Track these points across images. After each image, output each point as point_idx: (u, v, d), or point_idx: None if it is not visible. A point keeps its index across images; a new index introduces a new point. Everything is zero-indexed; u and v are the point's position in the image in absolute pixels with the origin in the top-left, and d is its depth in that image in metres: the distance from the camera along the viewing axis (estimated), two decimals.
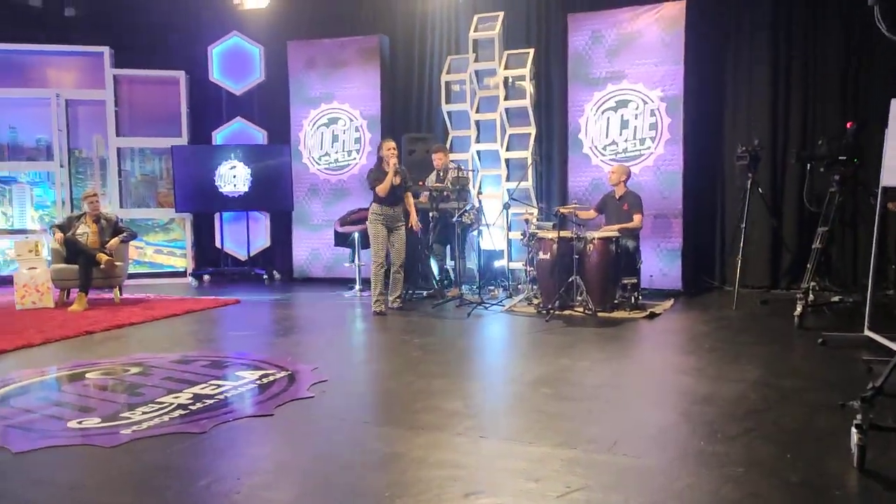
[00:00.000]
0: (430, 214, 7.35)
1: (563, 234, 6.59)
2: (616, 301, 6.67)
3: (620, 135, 7.81)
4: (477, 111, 8.46)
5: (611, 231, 6.77)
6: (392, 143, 6.87)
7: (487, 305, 6.97)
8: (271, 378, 4.49)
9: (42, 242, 7.67)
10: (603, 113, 7.88)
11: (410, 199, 6.97)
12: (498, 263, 8.22)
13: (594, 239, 6.54)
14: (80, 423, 3.66)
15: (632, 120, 7.76)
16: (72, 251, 7.35)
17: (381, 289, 6.77)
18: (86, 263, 7.19)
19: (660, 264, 7.65)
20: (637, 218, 6.98)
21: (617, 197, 7.12)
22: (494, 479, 2.90)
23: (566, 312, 6.47)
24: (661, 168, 7.63)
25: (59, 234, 7.42)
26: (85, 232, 7.47)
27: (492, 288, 7.75)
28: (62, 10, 9.55)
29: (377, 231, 6.76)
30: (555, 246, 6.53)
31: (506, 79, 8.25)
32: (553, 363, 4.81)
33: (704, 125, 7.86)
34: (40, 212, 9.42)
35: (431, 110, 8.98)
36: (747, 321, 6.19)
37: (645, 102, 7.66)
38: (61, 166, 9.26)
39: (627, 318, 6.36)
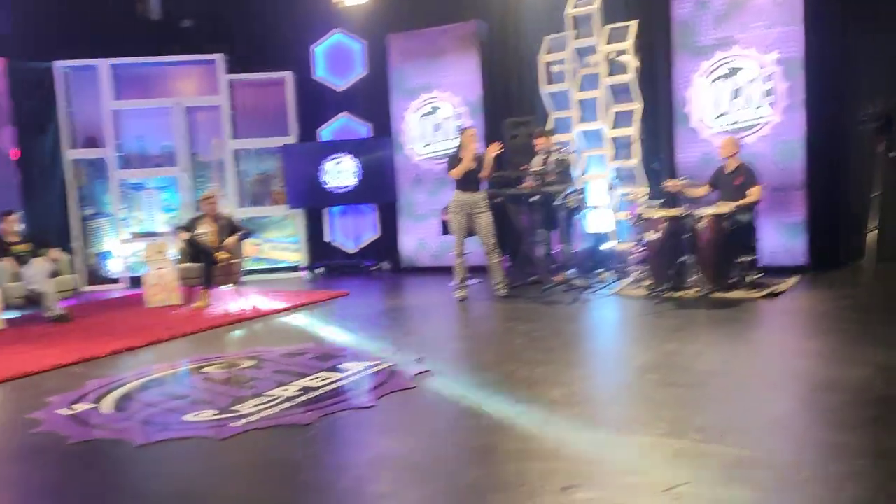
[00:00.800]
0: (534, 199, 7.22)
1: (673, 212, 6.30)
2: (732, 281, 6.31)
3: (732, 105, 7.37)
4: (579, 90, 8.23)
5: (725, 207, 6.41)
6: (472, 130, 6.90)
7: (595, 290, 6.78)
8: (376, 369, 4.55)
9: (168, 244, 8.14)
10: (712, 83, 7.46)
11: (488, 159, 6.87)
12: (605, 246, 7.98)
13: (706, 216, 6.21)
14: (195, 415, 3.84)
15: (744, 88, 7.29)
16: (194, 250, 7.76)
17: (463, 276, 6.90)
18: (207, 262, 7.57)
19: (781, 240, 7.18)
20: (754, 191, 6.57)
21: (729, 171, 6.73)
22: (596, 472, 2.80)
23: (678, 294, 6.20)
24: (778, 137, 7.14)
25: (183, 235, 7.85)
26: (205, 231, 7.86)
27: (599, 272, 7.53)
28: (179, 21, 10.06)
29: (456, 220, 6.80)
30: (664, 225, 6.26)
31: (607, 54, 7.97)
32: (662, 348, 4.61)
33: (828, 88, 7.27)
34: (167, 215, 10.00)
35: (533, 93, 8.80)
36: (879, 299, 5.70)
37: (761, 68, 7.19)
38: (184, 171, 9.79)
39: (745, 298, 6.01)
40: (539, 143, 7.48)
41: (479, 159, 6.76)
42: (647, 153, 8.05)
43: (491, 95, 9.00)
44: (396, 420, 3.67)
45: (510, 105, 8.94)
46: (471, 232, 6.90)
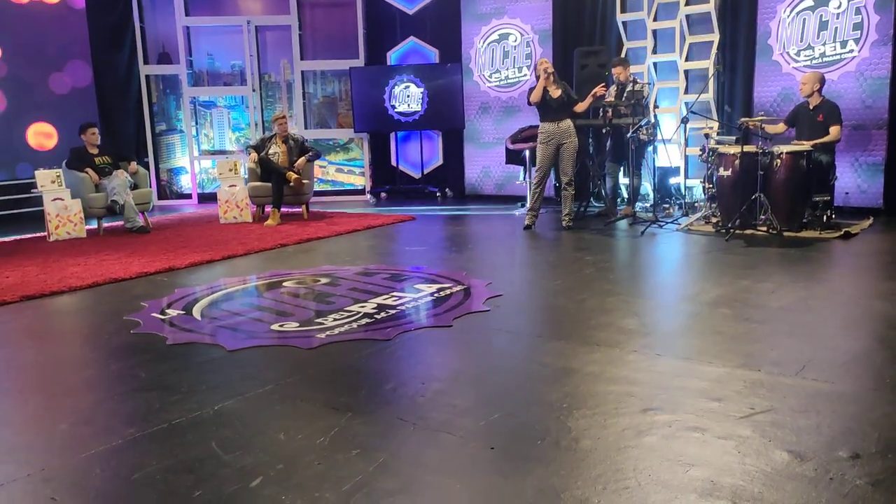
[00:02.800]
0: (604, 131, 7.16)
1: (747, 148, 6.19)
2: (805, 220, 6.23)
3: (818, 38, 7.10)
4: (654, 19, 8.00)
5: (802, 145, 6.27)
6: (547, 61, 6.80)
7: (662, 224, 6.77)
8: (448, 291, 4.68)
9: (239, 162, 8.34)
10: (798, 14, 7.17)
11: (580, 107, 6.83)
12: (674, 181, 7.90)
13: (783, 153, 6.09)
14: (280, 326, 4.05)
15: (832, 20, 7.01)
16: (265, 170, 7.95)
17: (534, 205, 6.91)
18: (277, 181, 7.76)
19: (857, 180, 7.01)
20: (834, 130, 6.39)
21: (811, 108, 6.54)
22: (673, 397, 2.90)
23: (748, 232, 6.15)
24: (864, 73, 6.89)
25: (254, 154, 8.03)
26: (276, 152, 8.03)
27: (667, 206, 7.49)
28: None
29: (545, 151, 6.74)
30: (737, 161, 6.17)
31: None
32: (733, 284, 4.63)
33: None
34: (237, 134, 10.20)
35: (605, 21, 8.59)
36: None
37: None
38: (253, 90, 9.91)
39: (818, 238, 5.94)
40: (616, 73, 7.35)
41: (563, 87, 6.67)
42: (722, 87, 7.85)
43: (562, 23, 8.82)
44: (473, 340, 3.81)
45: (581, 34, 8.77)
46: (555, 162, 6.86)
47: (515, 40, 8.99)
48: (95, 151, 7.69)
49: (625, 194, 7.98)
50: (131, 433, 2.74)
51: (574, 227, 6.90)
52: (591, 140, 7.73)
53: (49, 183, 7.23)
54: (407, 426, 2.73)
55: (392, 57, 9.86)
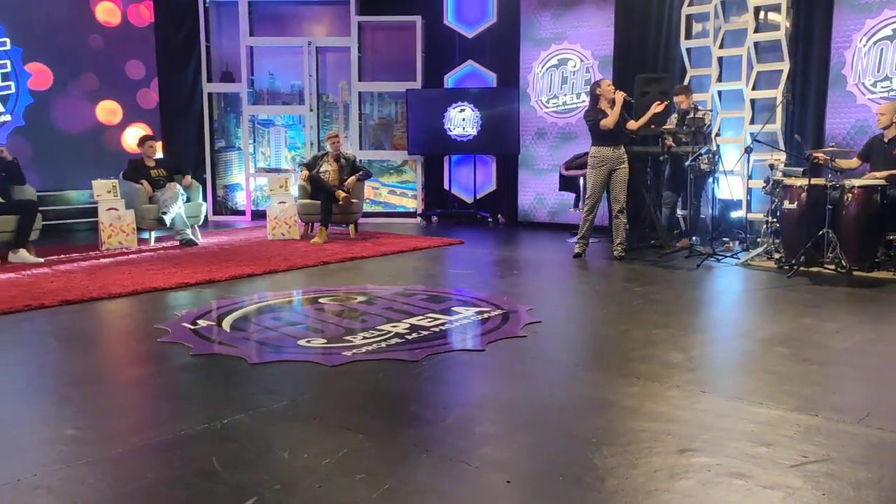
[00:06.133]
0: (661, 158, 6.89)
1: (815, 181, 5.83)
2: (878, 259, 5.81)
3: None
4: (720, 47, 7.72)
5: (877, 179, 5.87)
6: (610, 82, 6.56)
7: (720, 258, 6.42)
8: (486, 315, 4.49)
9: (290, 179, 8.35)
10: (875, 43, 6.79)
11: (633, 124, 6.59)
12: (735, 214, 7.54)
13: (854, 187, 5.71)
14: (308, 342, 3.91)
15: None
16: (315, 188, 7.93)
17: (584, 233, 6.69)
18: (326, 199, 7.72)
19: None
20: None
21: (886, 140, 6.14)
22: (715, 439, 2.62)
23: (813, 269, 5.77)
24: None
25: (305, 172, 8.03)
26: (327, 170, 8.00)
27: (726, 240, 7.12)
28: None
29: (597, 177, 6.50)
30: (804, 195, 5.82)
31: (756, 9, 7.41)
32: (793, 322, 4.29)
33: None
34: (292, 152, 10.27)
35: (669, 48, 8.34)
36: None
37: None
38: (311, 110, 9.98)
39: (891, 279, 5.52)
40: (678, 100, 7.09)
41: (623, 112, 6.46)
42: (791, 118, 7.49)
43: (624, 49, 8.61)
44: (505, 366, 3.59)
45: (644, 60, 8.53)
46: (607, 188, 6.62)
47: (574, 66, 8.82)
48: (152, 164, 7.80)
49: (682, 225, 7.66)
50: (134, 442, 2.62)
51: (626, 257, 6.63)
52: (648, 168, 7.46)
53: (105, 193, 7.35)
54: (421, 452, 2.53)
55: (449, 80, 9.80)
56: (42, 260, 6.41)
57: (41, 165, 8.62)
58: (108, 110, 9.28)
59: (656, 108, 6.47)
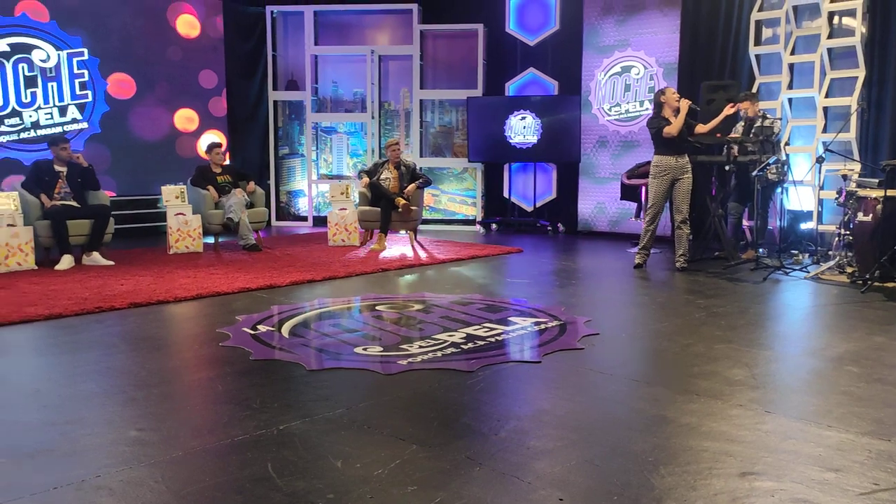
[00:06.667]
0: (727, 168, 6.71)
1: (892, 192, 5.58)
2: None
3: None
4: (792, 53, 7.48)
5: None
6: (675, 90, 6.43)
7: (788, 271, 6.21)
8: (543, 326, 4.44)
9: (351, 186, 8.45)
10: None
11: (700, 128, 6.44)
12: (805, 225, 7.28)
13: None
14: (364, 349, 3.94)
15: None
16: (375, 195, 8.00)
17: (646, 243, 6.57)
18: (386, 206, 7.78)
19: None
20: None
21: None
22: (780, 462, 2.52)
23: (888, 285, 5.52)
24: None
25: (366, 179, 8.11)
26: (387, 177, 8.07)
27: (795, 253, 6.89)
28: None
29: (659, 187, 6.37)
30: (879, 206, 5.58)
31: (830, 14, 7.16)
32: (865, 340, 4.11)
33: None
34: (354, 159, 10.40)
35: (737, 54, 8.13)
36: None
37: None
38: (373, 118, 10.10)
39: None
40: (743, 107, 6.90)
41: (689, 119, 6.33)
42: (866, 127, 7.20)
43: (690, 56, 8.44)
44: (561, 379, 3.54)
45: (710, 67, 8.34)
46: (669, 198, 6.49)
47: (638, 73, 8.68)
48: (218, 170, 8.01)
49: (748, 237, 7.44)
50: (194, 446, 2.68)
51: (689, 269, 6.47)
52: (713, 178, 7.27)
53: (174, 198, 7.58)
54: (474, 465, 2.51)
55: (511, 88, 9.78)
56: (113, 263, 6.64)
57: (118, 171, 8.95)
58: (185, 118, 9.60)
59: (728, 110, 6.32)
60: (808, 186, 7.12)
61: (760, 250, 6.85)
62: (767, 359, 3.87)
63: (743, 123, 6.94)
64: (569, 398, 3.27)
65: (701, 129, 6.42)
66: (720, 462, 2.52)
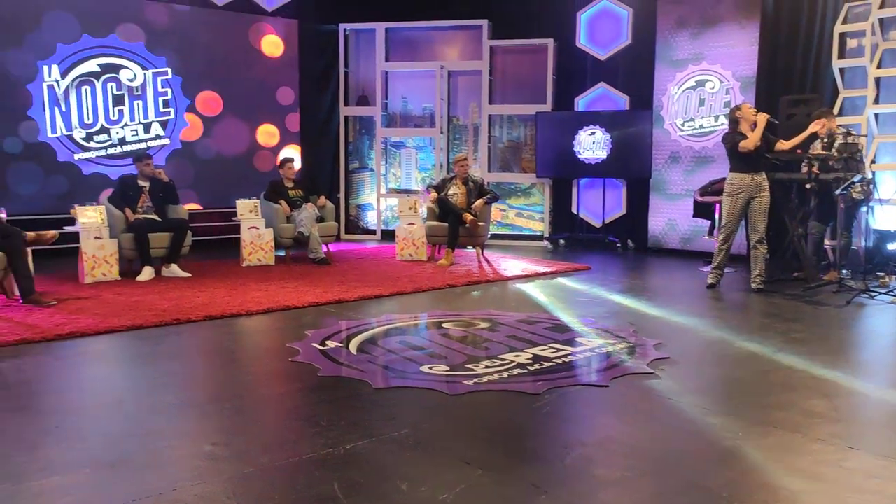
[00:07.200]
0: (808, 186, 6.46)
1: None
2: None
3: None
4: (878, 66, 7.18)
5: None
6: (751, 105, 6.25)
7: (874, 294, 5.93)
8: (611, 348, 4.36)
9: (419, 201, 8.52)
10: None
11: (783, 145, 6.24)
12: (892, 246, 6.94)
13: None
14: (430, 368, 3.95)
15: None
16: (443, 210, 8.04)
17: (719, 263, 6.41)
18: (454, 222, 7.80)
19: None
20: None
21: None
22: (864, 503, 2.41)
23: None
24: None
25: (434, 194, 8.16)
26: (455, 193, 8.10)
27: (881, 275, 6.57)
28: None
29: (733, 205, 6.19)
30: None
31: None
32: None
33: None
34: (422, 174, 10.49)
35: (819, 68, 7.85)
36: None
37: None
38: (441, 132, 10.17)
39: None
40: (819, 125, 6.64)
41: (765, 135, 6.15)
42: None
43: (768, 69, 8.18)
44: (630, 405, 3.47)
45: (790, 81, 8.07)
46: (744, 217, 6.31)
47: (714, 87, 8.48)
48: (290, 185, 8.20)
49: (830, 257, 7.15)
50: (264, 463, 2.73)
51: (765, 290, 6.26)
52: (792, 195, 7.02)
53: (248, 212, 7.79)
54: (539, 493, 2.48)
55: (580, 103, 9.69)
56: (190, 275, 6.87)
57: (200, 184, 9.28)
58: (267, 133, 9.91)
59: (814, 127, 6.11)
60: (895, 206, 6.80)
61: (844, 272, 6.57)
62: (850, 390, 3.70)
63: (823, 140, 6.68)
64: (638, 426, 3.19)
65: (782, 145, 6.22)
66: (799, 501, 2.42)
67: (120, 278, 6.62)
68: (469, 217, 7.76)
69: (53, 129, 8.32)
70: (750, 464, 2.73)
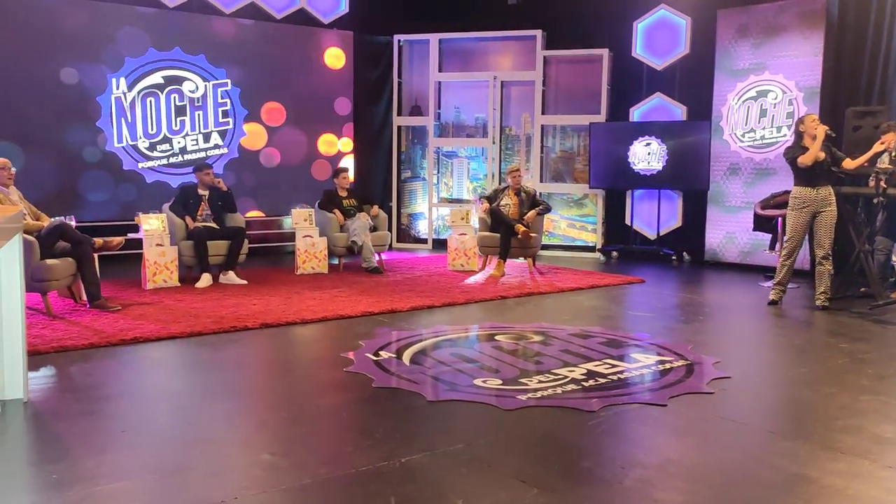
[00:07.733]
0: (875, 200, 6.25)
1: None
2: None
3: None
4: None
5: None
6: (816, 117, 6.07)
7: None
8: (668, 365, 4.28)
9: (471, 211, 8.52)
10: None
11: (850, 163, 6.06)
12: None
13: None
14: (483, 381, 3.93)
15: None
16: (495, 221, 8.02)
17: (782, 278, 6.22)
18: (506, 233, 7.78)
19: None
20: None
21: None
22: None
23: None
24: None
25: (486, 205, 8.15)
26: (507, 203, 8.08)
27: None
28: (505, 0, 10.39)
29: (797, 220, 6.02)
30: None
31: None
32: None
33: None
34: (474, 184, 10.49)
35: (886, 78, 7.59)
36: None
37: None
38: (494, 143, 10.16)
39: None
40: (887, 139, 6.42)
41: (827, 149, 5.98)
42: None
43: (833, 80, 7.96)
44: (689, 426, 3.39)
45: (856, 92, 7.83)
46: (809, 232, 6.15)
47: (776, 98, 8.28)
48: (344, 194, 8.30)
49: None
50: (321, 474, 2.75)
51: (830, 307, 6.06)
52: (859, 210, 6.80)
53: (302, 221, 7.91)
54: None
55: (635, 113, 9.57)
56: (246, 282, 6.99)
57: (259, 193, 9.48)
58: (327, 143, 10.08)
59: (878, 147, 5.92)
60: None
61: None
62: None
63: (891, 153, 6.45)
64: (698, 448, 3.12)
65: (849, 164, 6.04)
66: None
67: (179, 284, 6.77)
68: (521, 228, 7.73)
69: (119, 139, 8.59)
70: (817, 491, 2.64)
